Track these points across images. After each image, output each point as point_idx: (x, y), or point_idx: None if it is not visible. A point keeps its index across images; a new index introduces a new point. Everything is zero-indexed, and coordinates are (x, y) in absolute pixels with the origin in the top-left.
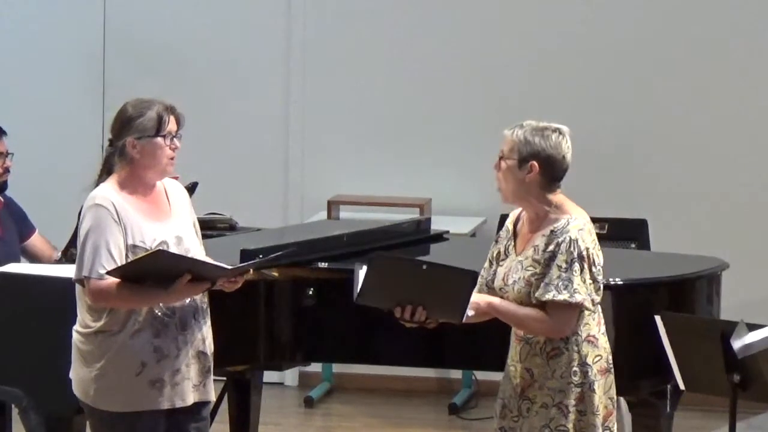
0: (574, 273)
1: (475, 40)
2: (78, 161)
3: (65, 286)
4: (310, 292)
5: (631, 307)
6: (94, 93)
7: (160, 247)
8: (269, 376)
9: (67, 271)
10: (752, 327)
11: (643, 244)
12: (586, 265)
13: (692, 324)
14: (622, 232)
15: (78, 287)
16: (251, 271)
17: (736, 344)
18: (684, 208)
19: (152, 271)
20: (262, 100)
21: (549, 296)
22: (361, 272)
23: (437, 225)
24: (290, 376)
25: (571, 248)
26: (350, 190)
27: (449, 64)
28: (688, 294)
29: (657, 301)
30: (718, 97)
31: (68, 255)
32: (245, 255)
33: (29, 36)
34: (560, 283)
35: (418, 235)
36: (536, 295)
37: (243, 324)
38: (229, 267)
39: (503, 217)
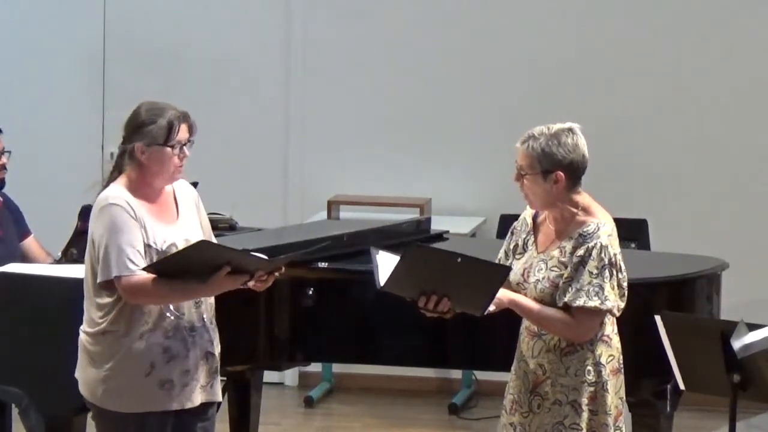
0: (605, 280)
1: (475, 40)
2: (78, 161)
3: (65, 286)
4: (310, 292)
5: (631, 307)
6: (94, 93)
7: (170, 249)
8: (269, 376)
9: (67, 271)
10: (752, 327)
11: (643, 244)
12: (615, 272)
13: (692, 324)
14: (622, 232)
15: (87, 287)
16: (283, 268)
17: (736, 344)
18: (684, 208)
19: (190, 265)
20: (262, 100)
21: (580, 302)
22: (379, 257)
23: (437, 225)
24: (290, 376)
25: (603, 255)
26: (350, 190)
27: (449, 64)
28: (688, 294)
29: (657, 301)
30: (719, 97)
31: (68, 255)
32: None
33: (29, 36)
34: (591, 290)
35: (418, 235)
36: (566, 299)
37: (243, 324)
38: (267, 258)
39: (503, 217)
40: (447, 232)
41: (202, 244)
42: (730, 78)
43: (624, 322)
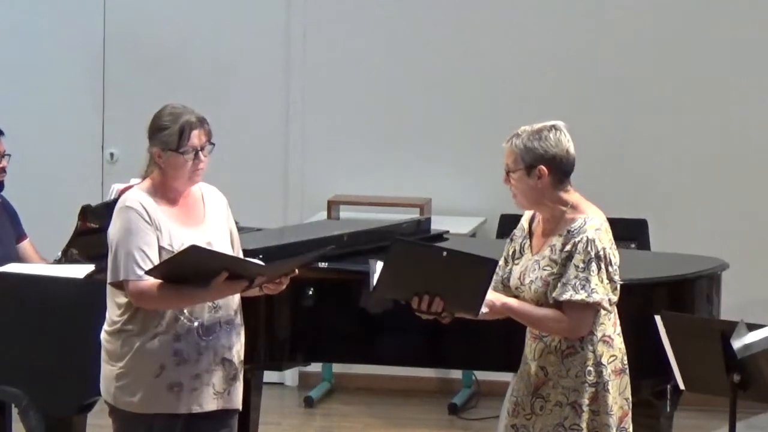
0: (591, 273)
1: (475, 41)
2: (78, 161)
3: (65, 286)
4: (310, 292)
5: (631, 307)
6: (94, 93)
7: (174, 254)
8: (269, 376)
9: (67, 271)
10: (752, 327)
11: (643, 244)
12: (603, 265)
13: (692, 324)
14: (622, 232)
15: (109, 287)
16: (296, 270)
17: (736, 344)
18: (684, 208)
19: (190, 270)
20: (262, 100)
21: (566, 296)
22: (377, 266)
23: (437, 225)
24: (290, 376)
25: (588, 248)
26: (350, 190)
27: (449, 65)
28: (688, 294)
29: (657, 301)
30: (719, 98)
31: (68, 255)
32: (245, 255)
33: (29, 36)
34: (578, 283)
35: (418, 235)
36: (553, 295)
37: (243, 324)
38: (263, 264)
39: (503, 217)
40: (447, 232)
41: (193, 249)
42: (731, 78)
43: (624, 322)
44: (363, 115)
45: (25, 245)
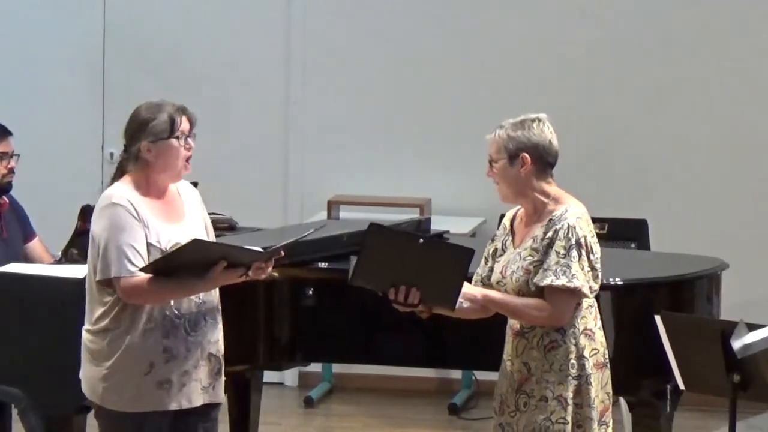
0: (572, 259)
1: (475, 41)
2: (78, 161)
3: (65, 286)
4: (310, 292)
5: (631, 307)
6: (94, 93)
7: (174, 249)
8: (269, 376)
9: (67, 271)
10: (752, 327)
11: (643, 244)
12: (584, 252)
13: (692, 324)
14: (622, 232)
15: (90, 285)
16: (282, 252)
17: (736, 344)
18: (684, 208)
19: (186, 263)
20: (262, 100)
21: (547, 281)
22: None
23: (437, 225)
24: (290, 376)
25: (569, 234)
26: (350, 190)
27: (449, 65)
28: (688, 294)
29: (657, 301)
30: (719, 97)
31: (68, 255)
32: None
33: (29, 36)
34: (558, 269)
35: None
36: (534, 280)
37: (243, 324)
38: (261, 250)
39: (503, 218)
40: (447, 232)
41: (195, 243)
42: (731, 78)
43: (624, 322)
44: (363, 115)
45: (34, 244)
